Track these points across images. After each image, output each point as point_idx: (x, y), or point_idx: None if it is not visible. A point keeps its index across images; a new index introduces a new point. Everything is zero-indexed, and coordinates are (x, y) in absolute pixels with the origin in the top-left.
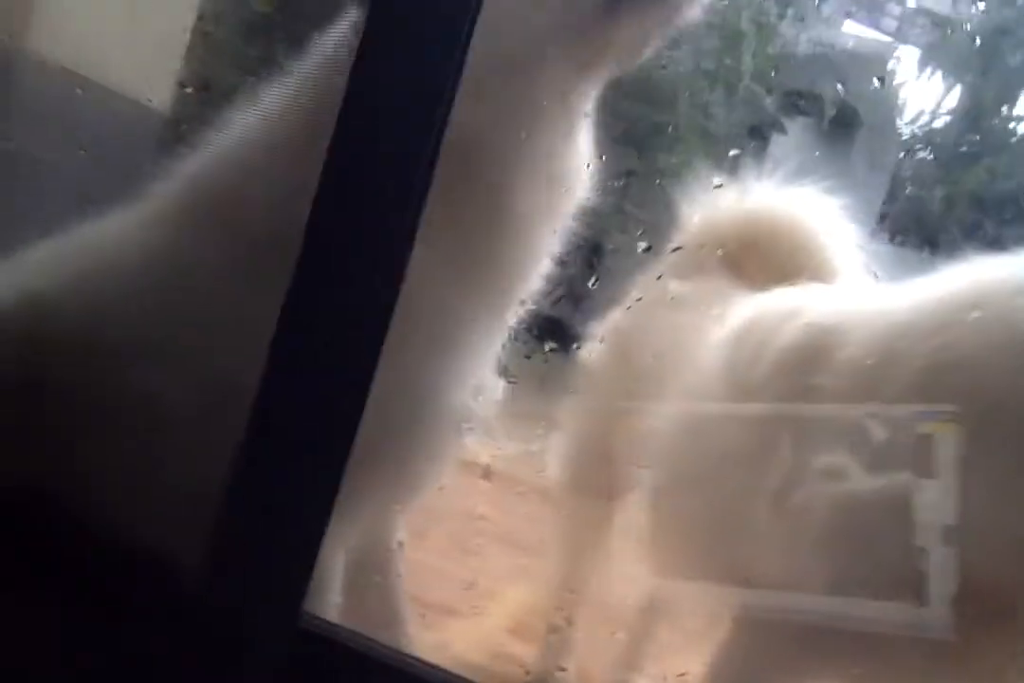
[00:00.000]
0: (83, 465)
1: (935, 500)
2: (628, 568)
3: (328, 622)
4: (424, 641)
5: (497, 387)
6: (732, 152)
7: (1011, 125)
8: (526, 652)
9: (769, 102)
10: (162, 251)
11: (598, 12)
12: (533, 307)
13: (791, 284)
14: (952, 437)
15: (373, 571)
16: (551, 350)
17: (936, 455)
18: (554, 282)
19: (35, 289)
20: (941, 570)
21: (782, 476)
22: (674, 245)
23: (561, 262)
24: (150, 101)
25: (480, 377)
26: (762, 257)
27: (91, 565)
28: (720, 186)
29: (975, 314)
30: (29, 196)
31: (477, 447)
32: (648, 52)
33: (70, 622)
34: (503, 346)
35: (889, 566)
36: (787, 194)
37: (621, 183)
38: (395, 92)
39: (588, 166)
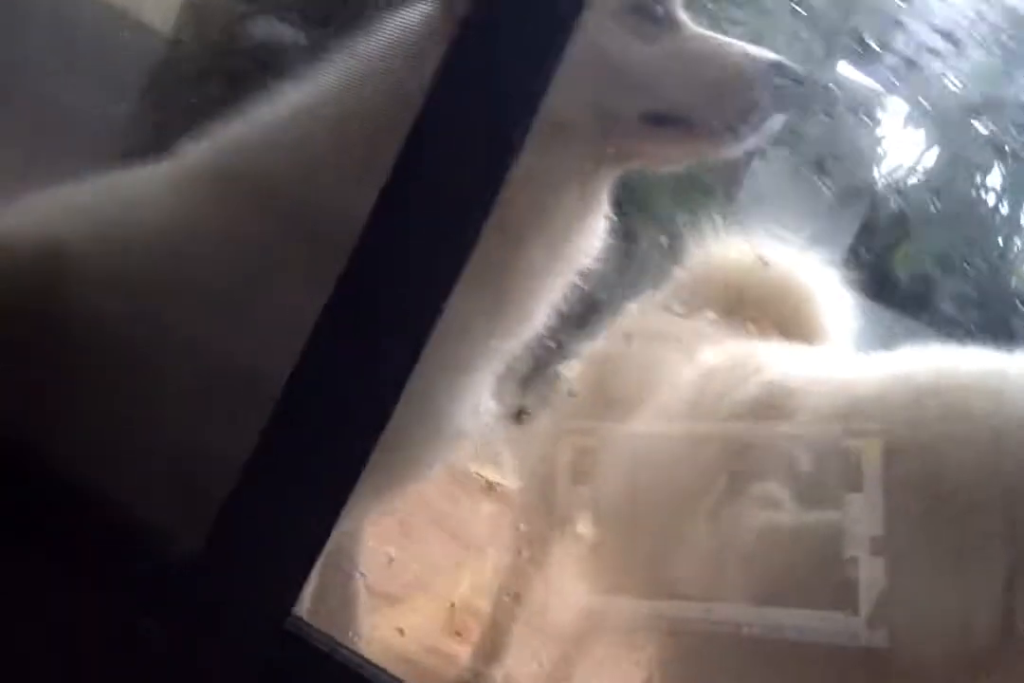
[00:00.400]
0: (88, 431)
1: (863, 512)
2: (568, 584)
3: (316, 629)
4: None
5: (490, 408)
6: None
7: (982, 194)
8: (461, 651)
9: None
10: (191, 218)
11: (638, 124)
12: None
13: (778, 337)
14: (875, 453)
15: (335, 568)
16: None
17: (862, 470)
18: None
19: (56, 237)
20: (870, 579)
21: (718, 494)
22: (670, 281)
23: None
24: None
25: (478, 397)
26: (754, 308)
27: (85, 533)
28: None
29: (934, 402)
30: (42, 132)
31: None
32: (677, 167)
33: (54, 590)
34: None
35: (822, 577)
36: (793, 253)
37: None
38: (478, 107)
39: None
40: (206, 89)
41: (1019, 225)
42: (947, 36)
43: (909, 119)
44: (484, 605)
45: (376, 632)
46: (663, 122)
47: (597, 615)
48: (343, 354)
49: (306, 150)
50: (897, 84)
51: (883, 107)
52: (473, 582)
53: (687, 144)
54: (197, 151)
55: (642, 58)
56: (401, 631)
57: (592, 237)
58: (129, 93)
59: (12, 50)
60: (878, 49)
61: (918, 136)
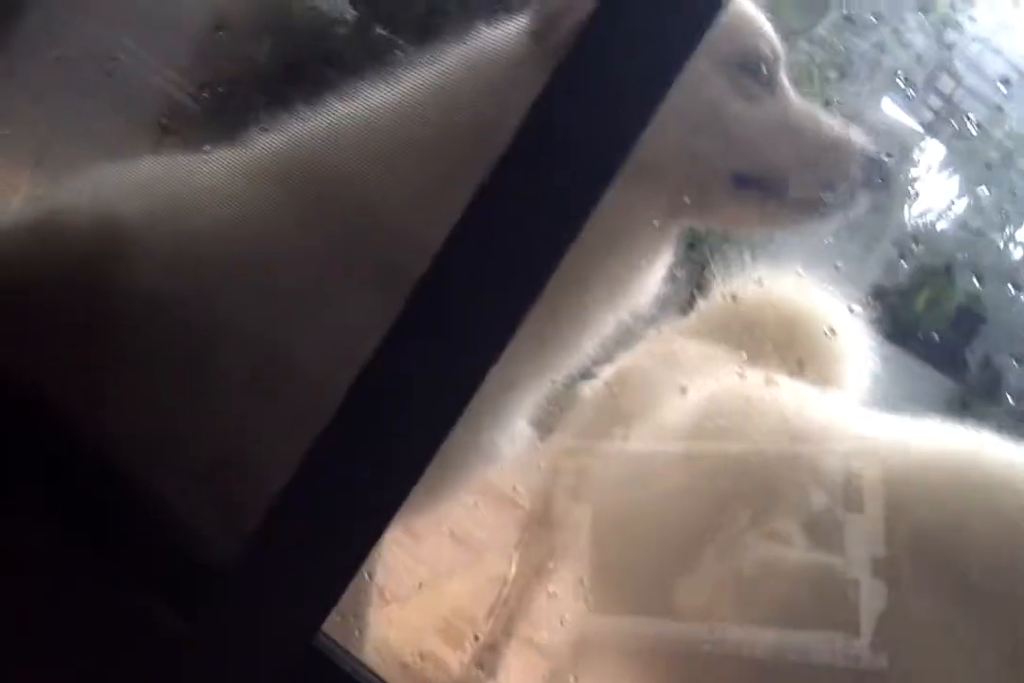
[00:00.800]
0: (134, 417)
1: (864, 534)
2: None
3: (342, 649)
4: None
5: (525, 432)
6: None
7: (1010, 246)
8: (453, 658)
9: None
10: (258, 209)
11: (727, 182)
12: None
13: (793, 373)
14: (875, 473)
15: None
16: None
17: (863, 491)
18: None
19: (114, 214)
20: (871, 601)
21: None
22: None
23: None
24: None
25: (518, 423)
26: (776, 344)
27: (119, 522)
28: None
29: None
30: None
31: None
32: (751, 231)
33: (80, 580)
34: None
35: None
36: (816, 292)
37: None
38: (570, 143)
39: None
40: (277, 82)
41: None
42: (993, 84)
43: (945, 163)
44: (481, 613)
45: (373, 631)
46: (750, 185)
47: (594, 636)
48: (407, 371)
49: (387, 159)
50: (937, 127)
51: (921, 149)
52: (472, 588)
53: (771, 210)
54: (273, 143)
55: (744, 117)
56: (397, 633)
57: (651, 282)
58: (201, 80)
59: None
60: (922, 89)
61: (952, 182)
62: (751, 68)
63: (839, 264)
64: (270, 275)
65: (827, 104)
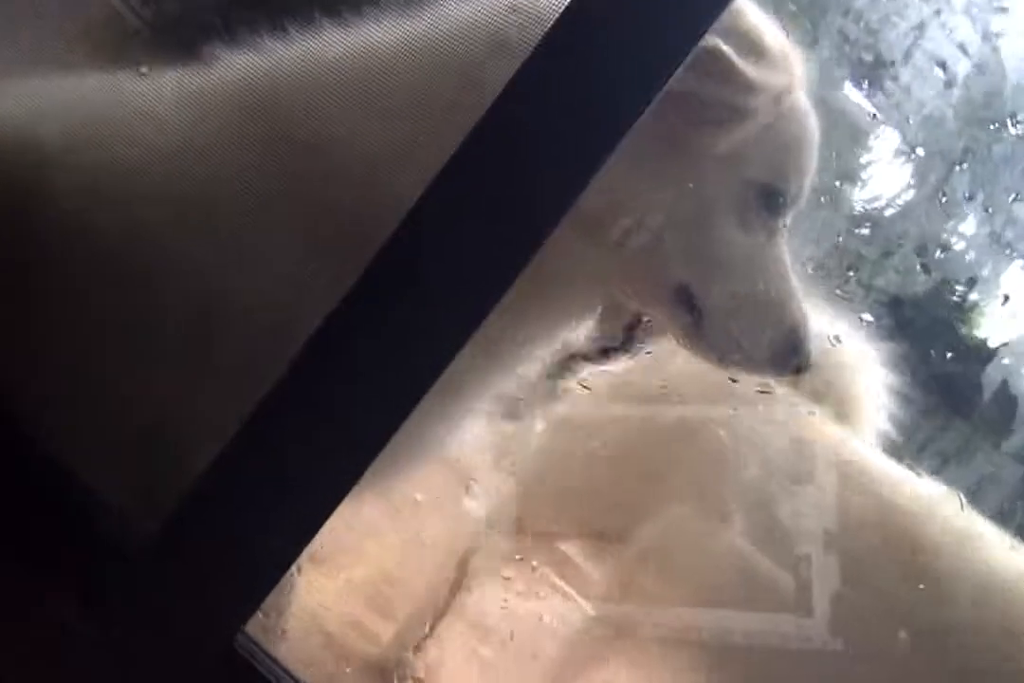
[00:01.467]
0: (42, 369)
1: (815, 505)
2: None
3: (266, 652)
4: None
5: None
6: None
7: (952, 240)
8: (382, 629)
9: None
10: (206, 142)
11: (667, 287)
12: None
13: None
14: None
15: None
16: None
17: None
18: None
19: (36, 133)
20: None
21: None
22: None
23: None
24: None
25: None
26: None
27: (22, 498)
28: None
29: None
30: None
31: None
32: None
33: None
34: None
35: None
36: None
37: None
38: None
39: None
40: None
41: (981, 275)
42: (948, 73)
43: (898, 152)
44: (413, 580)
45: (298, 597)
46: (685, 303)
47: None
48: (361, 347)
49: (366, 109)
50: (893, 114)
51: (876, 135)
52: (405, 554)
53: (687, 337)
54: (235, 70)
55: (729, 241)
56: (323, 599)
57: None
58: None
59: None
60: (881, 75)
61: (904, 171)
62: (767, 199)
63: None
64: (214, 218)
65: None
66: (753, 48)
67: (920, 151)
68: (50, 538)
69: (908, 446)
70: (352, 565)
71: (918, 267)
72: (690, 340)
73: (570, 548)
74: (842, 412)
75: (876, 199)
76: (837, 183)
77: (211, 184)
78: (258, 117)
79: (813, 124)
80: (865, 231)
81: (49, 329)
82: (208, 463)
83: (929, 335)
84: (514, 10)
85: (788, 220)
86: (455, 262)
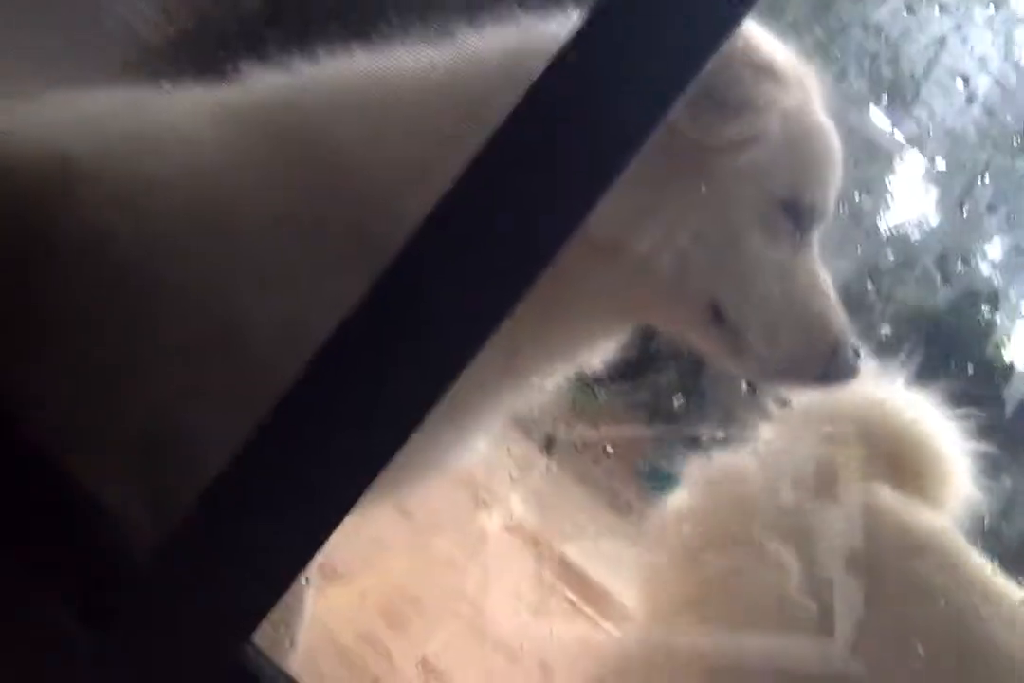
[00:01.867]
0: (54, 377)
1: (839, 527)
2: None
3: (272, 664)
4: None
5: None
6: None
7: (979, 265)
8: (395, 644)
9: None
10: (232, 159)
11: (700, 306)
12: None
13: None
14: (855, 462)
15: None
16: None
17: (839, 480)
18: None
19: (64, 146)
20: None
21: None
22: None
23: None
24: None
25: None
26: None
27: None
28: None
29: None
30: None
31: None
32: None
33: None
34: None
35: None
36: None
37: None
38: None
39: None
40: (259, 26)
41: (1006, 298)
42: (979, 102)
43: (926, 177)
44: (427, 593)
45: (311, 611)
46: (717, 321)
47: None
48: (368, 363)
49: (388, 132)
50: (921, 141)
51: (902, 159)
52: (419, 567)
53: (725, 355)
54: (261, 90)
55: (757, 255)
56: (337, 612)
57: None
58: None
59: None
60: (908, 100)
61: (930, 196)
62: (794, 212)
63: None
64: (235, 235)
65: None
66: (763, 69)
67: (942, 167)
68: (51, 545)
69: None
70: (367, 578)
71: (940, 284)
72: (729, 358)
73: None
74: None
75: (900, 219)
76: (860, 202)
77: (232, 202)
78: (283, 137)
79: (833, 139)
80: (889, 250)
81: (63, 335)
82: (215, 472)
83: (951, 351)
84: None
85: (816, 234)
86: (462, 277)
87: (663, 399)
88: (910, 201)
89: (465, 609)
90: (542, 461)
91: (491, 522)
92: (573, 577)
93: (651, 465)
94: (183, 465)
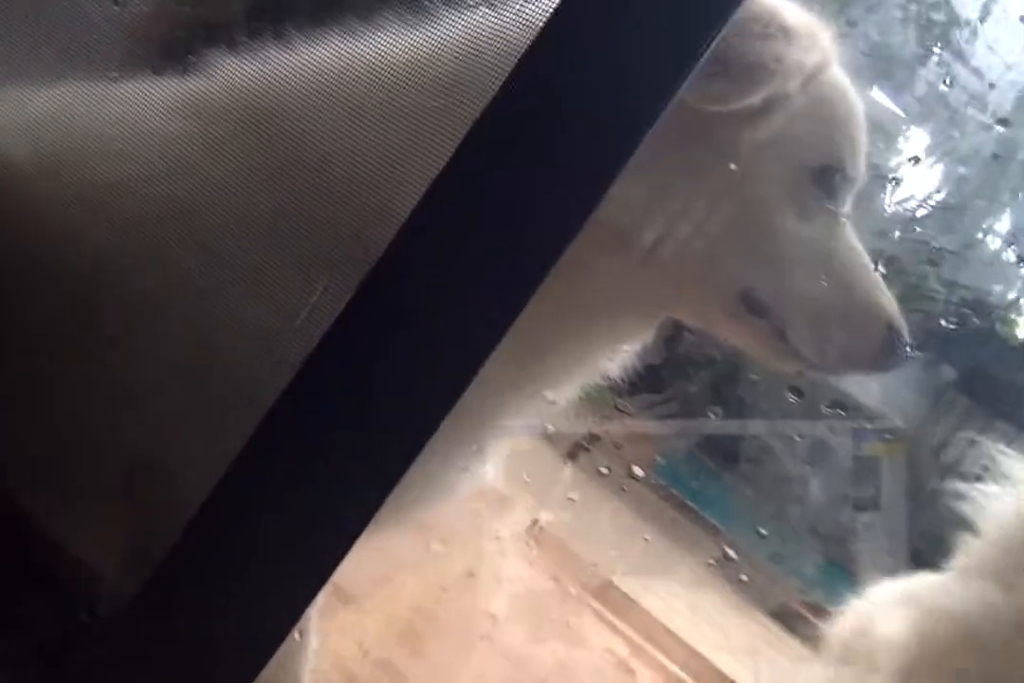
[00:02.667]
0: (9, 411)
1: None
2: None
3: None
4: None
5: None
6: None
7: (986, 238)
8: (413, 672)
9: None
10: (199, 157)
11: (732, 297)
12: None
13: None
14: (899, 461)
15: None
16: None
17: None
18: None
19: (3, 147)
20: None
21: None
22: None
23: None
24: None
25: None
26: None
27: None
28: None
29: None
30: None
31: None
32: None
33: None
34: None
35: None
36: None
37: None
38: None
39: None
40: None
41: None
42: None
43: (929, 152)
44: (445, 615)
45: (328, 638)
46: (759, 311)
47: None
48: (358, 379)
49: (366, 129)
50: (923, 116)
51: (906, 137)
52: (438, 585)
53: (767, 347)
54: (237, 77)
55: (790, 234)
56: (350, 637)
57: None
58: None
59: None
60: (910, 77)
61: (935, 170)
62: (825, 182)
63: None
64: (209, 243)
65: None
66: (775, 30)
67: (951, 150)
68: (15, 597)
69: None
70: (380, 599)
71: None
72: (771, 350)
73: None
74: None
75: (907, 200)
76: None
77: (208, 202)
78: (255, 131)
79: (855, 98)
80: (897, 232)
81: (25, 366)
82: (192, 513)
83: (966, 336)
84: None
85: (850, 203)
86: (456, 281)
87: (694, 409)
88: (916, 179)
89: (487, 628)
90: (561, 466)
91: (510, 531)
92: (599, 587)
93: (670, 464)
94: (154, 509)
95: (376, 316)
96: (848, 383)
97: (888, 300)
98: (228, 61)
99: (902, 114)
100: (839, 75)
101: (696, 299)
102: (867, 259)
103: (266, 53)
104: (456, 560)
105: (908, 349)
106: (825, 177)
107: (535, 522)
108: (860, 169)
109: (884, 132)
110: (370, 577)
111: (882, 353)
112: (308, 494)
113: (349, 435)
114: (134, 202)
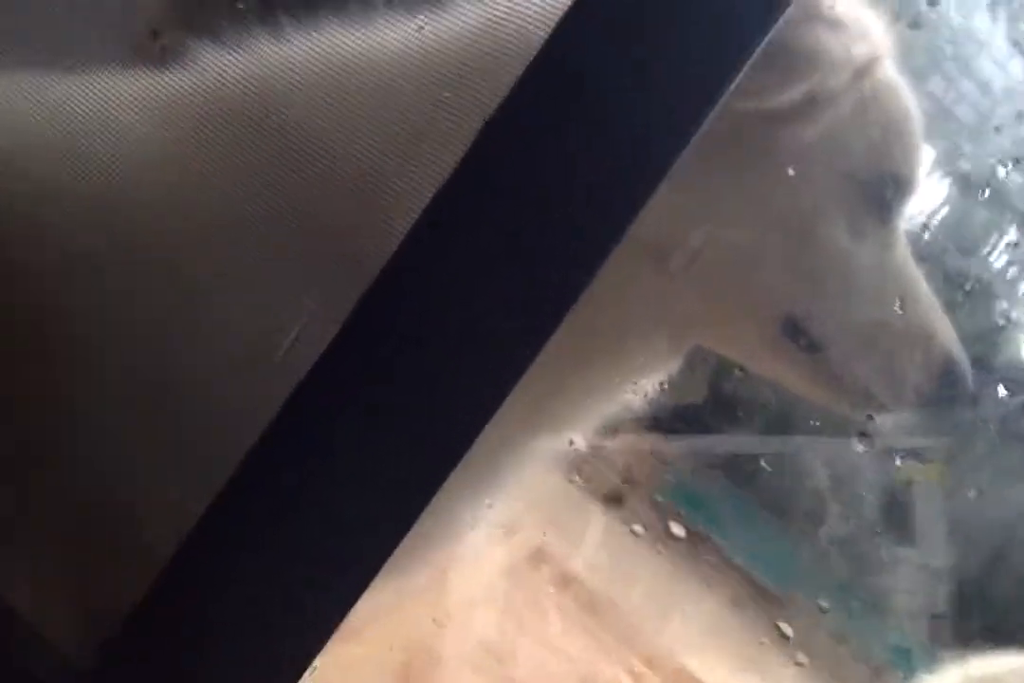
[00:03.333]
0: None
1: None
2: None
3: None
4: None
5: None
6: None
7: (992, 254)
8: None
9: None
10: (182, 156)
11: (773, 327)
12: None
13: None
14: (937, 486)
15: None
16: None
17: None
18: None
19: None
20: None
21: None
22: None
23: None
24: None
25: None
26: None
27: None
28: None
29: None
30: None
31: None
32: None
33: None
34: None
35: None
36: None
37: None
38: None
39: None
40: None
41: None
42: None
43: (936, 166)
44: (447, 648)
45: (323, 675)
46: (798, 338)
47: None
48: (351, 413)
49: (360, 125)
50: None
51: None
52: (440, 613)
53: (807, 381)
54: (222, 70)
55: (839, 254)
56: (345, 676)
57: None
58: None
59: None
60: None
61: (943, 185)
62: (878, 197)
63: None
64: (193, 245)
65: None
66: (819, 16)
67: (957, 162)
68: None
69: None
70: (379, 631)
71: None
72: (812, 385)
73: None
74: None
75: (916, 214)
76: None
77: (188, 205)
78: (247, 129)
79: (908, 95)
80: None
81: None
82: (156, 572)
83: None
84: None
85: (904, 215)
86: (468, 307)
87: (743, 459)
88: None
89: (490, 663)
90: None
91: (512, 554)
92: (606, 611)
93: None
94: (118, 561)
95: (376, 345)
96: None
97: (948, 331)
98: (215, 53)
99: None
100: (893, 73)
101: (732, 323)
102: (920, 279)
103: (254, 45)
104: (456, 582)
105: (969, 380)
106: (878, 187)
107: (566, 573)
108: (917, 175)
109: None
110: (367, 610)
111: (935, 389)
112: (293, 558)
113: (340, 492)
114: (97, 205)
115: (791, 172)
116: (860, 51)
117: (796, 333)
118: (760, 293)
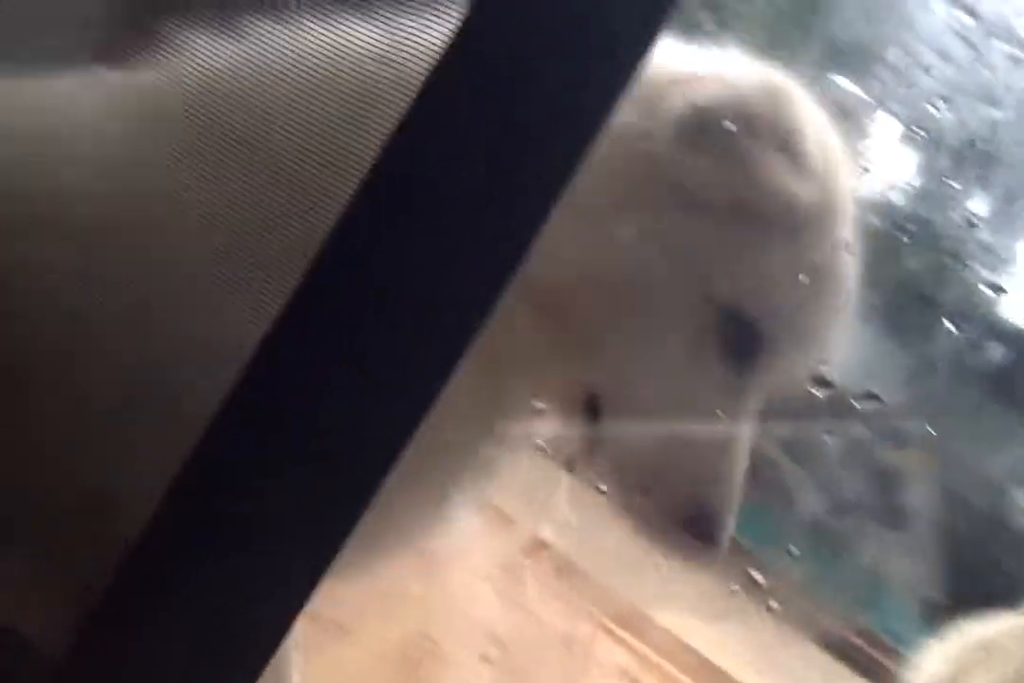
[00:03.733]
0: None
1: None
2: None
3: None
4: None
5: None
6: None
7: (960, 219)
8: None
9: None
10: (140, 157)
11: None
12: None
13: None
14: (928, 472)
15: None
16: None
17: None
18: None
19: None
20: None
21: None
22: None
23: None
24: None
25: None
26: None
27: None
28: None
29: None
30: None
31: None
32: None
33: None
34: None
35: None
36: None
37: None
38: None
39: None
40: None
41: (996, 254)
42: (946, 58)
43: (898, 137)
44: (447, 640)
45: (319, 675)
46: (590, 413)
47: None
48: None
49: (325, 122)
50: (887, 99)
51: (872, 121)
52: (435, 608)
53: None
54: (188, 69)
55: (665, 360)
56: (338, 675)
57: None
58: None
59: None
60: (873, 61)
61: (905, 155)
62: (735, 334)
63: None
64: (158, 254)
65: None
66: (782, 141)
67: (921, 132)
68: None
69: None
70: (377, 629)
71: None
72: (585, 456)
73: None
74: None
75: (883, 186)
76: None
77: (155, 206)
78: (216, 131)
79: (848, 277)
80: (875, 219)
81: None
82: (123, 559)
83: (953, 320)
84: None
85: (768, 376)
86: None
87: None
88: (887, 164)
89: (493, 653)
90: (563, 477)
91: (513, 545)
92: (610, 603)
93: None
94: (85, 551)
95: (314, 333)
96: None
97: (733, 482)
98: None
99: (867, 98)
100: (846, 235)
101: (545, 369)
102: (745, 446)
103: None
104: (455, 574)
105: (717, 548)
106: (734, 326)
107: (536, 539)
108: (797, 350)
109: (850, 116)
110: (360, 605)
111: (684, 527)
112: (245, 548)
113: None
114: (75, 209)
115: (656, 258)
116: (806, 191)
117: (592, 408)
118: (582, 361)
